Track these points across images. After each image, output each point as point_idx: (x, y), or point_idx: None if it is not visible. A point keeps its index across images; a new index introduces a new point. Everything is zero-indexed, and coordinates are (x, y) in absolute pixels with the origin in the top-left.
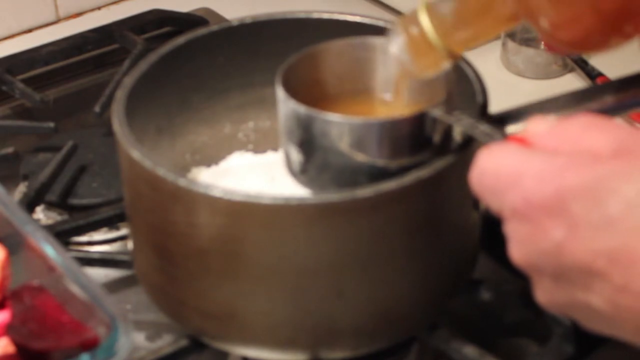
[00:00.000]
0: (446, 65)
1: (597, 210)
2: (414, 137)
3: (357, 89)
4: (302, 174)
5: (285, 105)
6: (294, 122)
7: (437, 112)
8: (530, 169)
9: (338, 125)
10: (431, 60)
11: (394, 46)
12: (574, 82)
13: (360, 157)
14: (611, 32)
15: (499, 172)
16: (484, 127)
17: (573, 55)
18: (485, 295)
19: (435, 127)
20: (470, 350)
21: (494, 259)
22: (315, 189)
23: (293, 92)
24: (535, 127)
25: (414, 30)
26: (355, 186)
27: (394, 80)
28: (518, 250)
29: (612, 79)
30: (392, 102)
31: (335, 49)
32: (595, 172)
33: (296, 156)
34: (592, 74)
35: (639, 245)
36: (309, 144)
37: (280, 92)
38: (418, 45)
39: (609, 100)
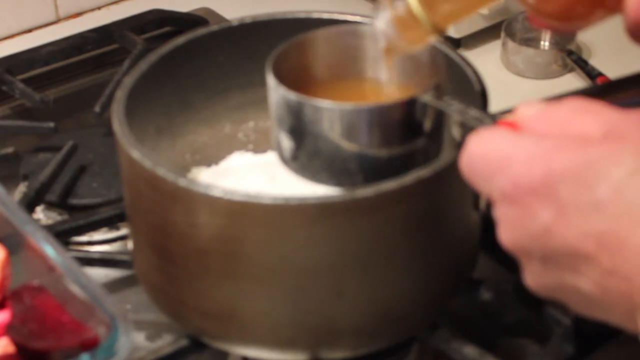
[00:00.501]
0: (432, 39)
1: (586, 193)
2: (404, 123)
3: (348, 76)
4: (293, 161)
5: (276, 92)
6: (285, 109)
7: (427, 98)
8: (519, 152)
9: (328, 111)
10: (416, 35)
11: (380, 21)
12: (574, 82)
13: (351, 143)
14: (595, 4)
15: (488, 156)
16: (473, 112)
17: (557, 30)
18: (485, 295)
19: (426, 113)
20: (470, 350)
21: (494, 259)
22: (306, 176)
23: (284, 79)
24: (524, 111)
25: (399, 5)
26: (347, 173)
27: (382, 60)
28: (507, 233)
29: (612, 79)
30: (383, 88)
31: (325, 37)
32: (584, 155)
33: (287, 143)
34: (592, 74)
35: (628, 229)
36: (300, 131)
37: (270, 79)
38: (403, 19)
39: (608, 100)
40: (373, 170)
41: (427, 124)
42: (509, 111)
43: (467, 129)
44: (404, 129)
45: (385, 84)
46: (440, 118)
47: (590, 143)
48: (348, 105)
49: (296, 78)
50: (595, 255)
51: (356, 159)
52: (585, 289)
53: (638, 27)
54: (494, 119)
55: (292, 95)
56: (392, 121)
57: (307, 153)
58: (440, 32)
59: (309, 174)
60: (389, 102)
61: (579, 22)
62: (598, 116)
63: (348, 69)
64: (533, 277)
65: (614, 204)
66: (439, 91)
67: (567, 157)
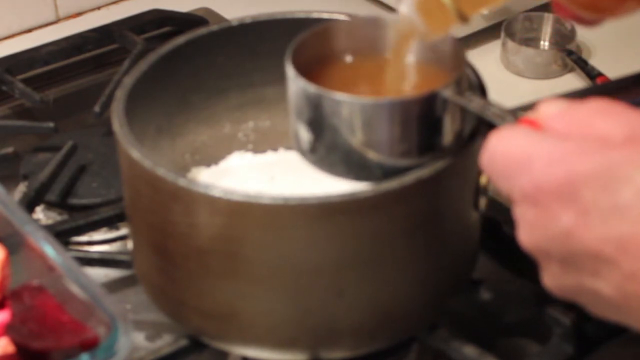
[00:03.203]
0: (455, 27)
1: (608, 197)
2: (424, 118)
3: (367, 67)
4: (311, 152)
5: (295, 84)
6: (303, 100)
7: (448, 93)
8: (541, 153)
9: (348, 105)
10: (441, 21)
11: (404, 6)
12: (574, 82)
13: (370, 137)
14: None
15: (510, 155)
16: (495, 109)
17: (582, 21)
18: (485, 295)
19: (446, 109)
20: (470, 350)
21: (494, 259)
22: (324, 168)
23: (303, 70)
24: (545, 109)
25: None
26: (365, 167)
27: (399, 46)
28: (527, 234)
29: (612, 79)
30: (402, 81)
31: (344, 27)
32: (607, 158)
33: (305, 135)
34: (592, 74)
35: None
36: (319, 123)
37: (289, 70)
38: (429, 5)
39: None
40: (391, 165)
41: (447, 120)
42: (528, 107)
43: (482, 125)
44: (423, 124)
45: (405, 76)
46: (459, 114)
47: (613, 146)
48: (368, 100)
49: (315, 68)
50: (615, 259)
51: (374, 153)
52: (605, 292)
53: None
54: (516, 116)
55: (312, 88)
56: (412, 116)
57: (326, 146)
58: (465, 20)
59: (327, 166)
60: (409, 96)
61: (608, 13)
62: (621, 118)
63: (367, 59)
64: (551, 279)
65: (635, 208)
66: (459, 86)
67: (590, 159)
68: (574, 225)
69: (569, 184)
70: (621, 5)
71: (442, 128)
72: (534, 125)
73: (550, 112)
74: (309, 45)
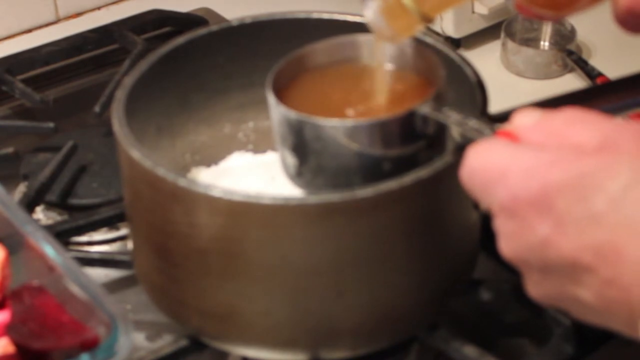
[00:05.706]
0: (419, 29)
1: (583, 205)
2: (406, 135)
3: (348, 87)
4: (298, 177)
5: (277, 111)
6: (286, 127)
7: (426, 110)
8: (516, 165)
9: (329, 128)
10: (405, 24)
11: (369, 11)
12: (574, 82)
13: (353, 159)
14: None
15: (487, 168)
16: (472, 123)
17: (543, 18)
18: (485, 295)
19: (426, 124)
20: (470, 350)
21: (494, 259)
22: (311, 191)
23: (285, 95)
24: (521, 120)
25: None
26: (351, 187)
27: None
28: (506, 245)
29: (612, 79)
30: (382, 99)
31: (323, 49)
32: (580, 167)
33: (291, 160)
34: (592, 74)
35: (624, 240)
36: (302, 148)
37: (271, 98)
38: (392, 8)
39: (609, 100)
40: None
41: (428, 133)
42: (506, 114)
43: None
44: (404, 140)
45: (385, 94)
46: (441, 127)
47: (585, 155)
48: (348, 122)
49: (297, 93)
50: (594, 266)
51: (360, 173)
52: (585, 298)
53: (628, 13)
54: (493, 129)
55: (293, 114)
56: (393, 134)
57: (311, 169)
58: (428, 21)
59: (314, 189)
60: (388, 116)
61: (566, 10)
62: (594, 127)
63: (347, 79)
64: (534, 287)
65: (610, 216)
66: (438, 102)
67: (563, 169)
68: (550, 235)
69: (544, 195)
70: (576, 2)
71: (425, 141)
72: (511, 137)
73: (525, 123)
74: (288, 70)
